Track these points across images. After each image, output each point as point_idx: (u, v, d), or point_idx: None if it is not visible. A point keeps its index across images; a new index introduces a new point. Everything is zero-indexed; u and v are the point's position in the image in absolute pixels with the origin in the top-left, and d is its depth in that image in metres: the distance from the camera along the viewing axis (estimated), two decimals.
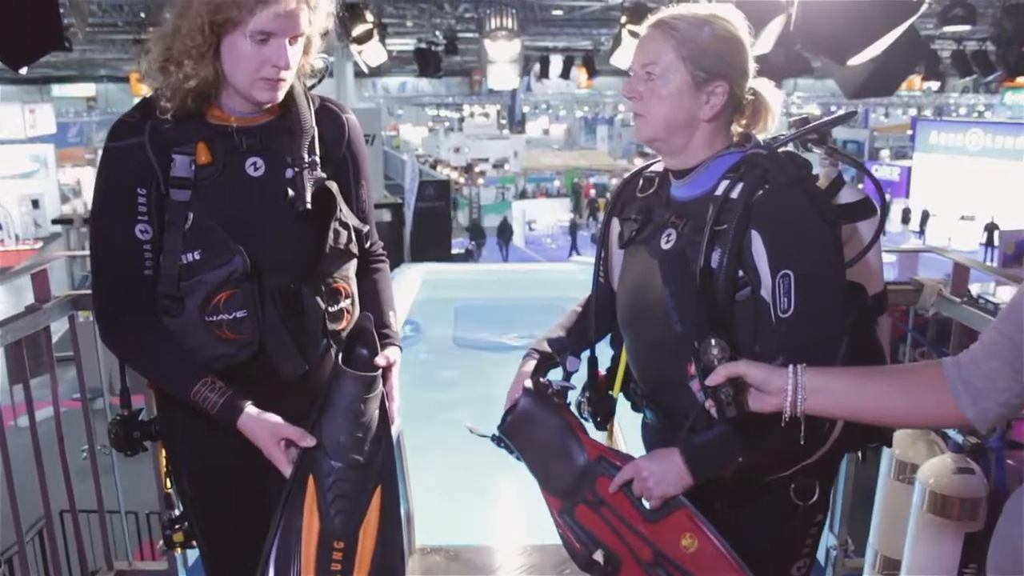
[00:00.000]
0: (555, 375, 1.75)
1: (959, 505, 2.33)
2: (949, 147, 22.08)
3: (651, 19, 1.55)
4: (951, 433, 2.43)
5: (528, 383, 1.68)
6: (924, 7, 2.72)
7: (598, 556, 1.59)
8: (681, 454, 1.51)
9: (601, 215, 26.33)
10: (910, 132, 25.51)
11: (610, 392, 1.80)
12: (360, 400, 1.58)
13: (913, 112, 29.70)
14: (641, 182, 1.68)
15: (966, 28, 9.57)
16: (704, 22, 1.51)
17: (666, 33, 1.51)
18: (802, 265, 1.43)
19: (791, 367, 1.33)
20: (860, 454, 1.73)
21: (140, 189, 1.58)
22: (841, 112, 1.64)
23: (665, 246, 1.56)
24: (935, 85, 16.13)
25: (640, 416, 1.77)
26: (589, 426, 1.76)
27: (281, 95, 1.61)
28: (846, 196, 1.56)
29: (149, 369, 1.68)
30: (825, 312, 1.44)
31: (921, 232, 22.50)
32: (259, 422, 1.59)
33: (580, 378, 1.80)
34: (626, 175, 1.77)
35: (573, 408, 1.73)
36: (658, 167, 1.67)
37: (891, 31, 2.74)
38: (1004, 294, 9.50)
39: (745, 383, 1.36)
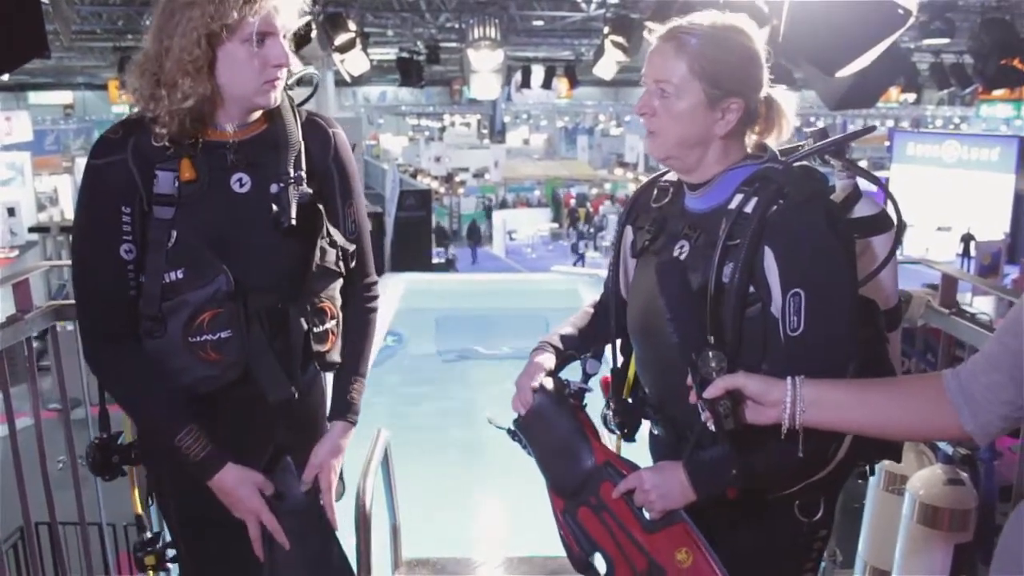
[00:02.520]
0: (571, 375, 1.72)
1: (949, 516, 2.34)
2: (926, 158, 22.24)
3: (664, 29, 1.51)
4: (940, 444, 2.43)
5: (547, 382, 1.65)
6: (912, 19, 2.73)
7: (597, 562, 1.58)
8: (685, 469, 1.49)
9: (581, 225, 26.52)
10: (887, 143, 25.66)
11: (622, 397, 1.77)
12: (296, 534, 1.59)
13: (890, 123, 29.92)
14: (656, 191, 1.66)
15: (945, 41, 9.67)
16: (719, 36, 1.47)
17: (679, 48, 1.47)
18: (814, 284, 1.39)
19: (790, 379, 1.32)
20: (868, 468, 1.70)
21: (124, 208, 1.55)
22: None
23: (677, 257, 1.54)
24: (912, 97, 16.26)
25: (647, 425, 1.75)
26: (614, 436, 1.74)
27: (278, 96, 1.59)
28: (862, 209, 1.55)
29: (131, 406, 1.66)
30: (834, 334, 1.40)
31: (899, 243, 22.55)
32: (241, 474, 1.59)
33: (594, 382, 1.78)
34: (641, 183, 1.74)
35: (598, 421, 1.71)
36: (672, 176, 1.65)
37: (880, 43, 2.75)
38: (981, 304, 9.61)
39: (743, 395, 1.35)
